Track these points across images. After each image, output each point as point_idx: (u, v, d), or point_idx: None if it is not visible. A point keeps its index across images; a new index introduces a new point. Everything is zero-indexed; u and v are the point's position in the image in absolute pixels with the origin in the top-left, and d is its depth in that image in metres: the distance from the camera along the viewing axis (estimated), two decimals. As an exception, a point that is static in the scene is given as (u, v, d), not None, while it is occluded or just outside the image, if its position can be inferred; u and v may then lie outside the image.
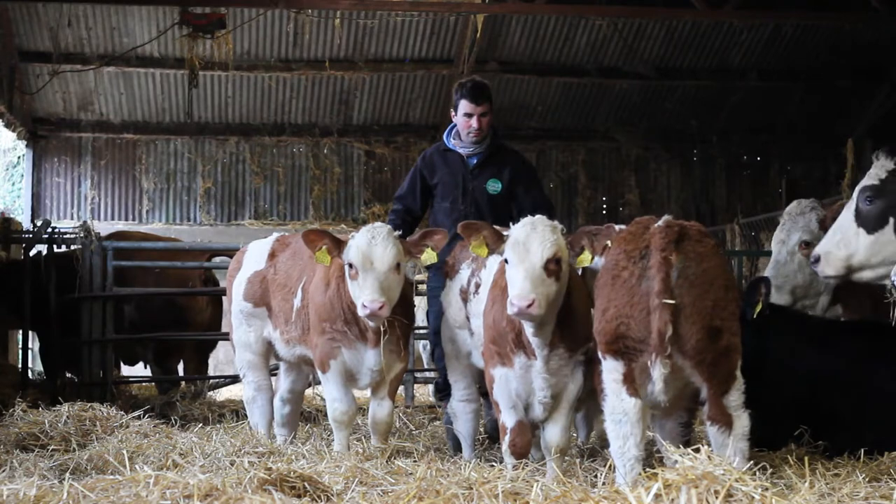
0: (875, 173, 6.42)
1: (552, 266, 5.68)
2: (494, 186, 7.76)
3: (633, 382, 5.37)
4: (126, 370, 12.88)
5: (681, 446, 5.03)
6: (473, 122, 7.72)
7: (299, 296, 7.15)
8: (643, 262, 5.30)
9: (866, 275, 6.50)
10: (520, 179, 7.83)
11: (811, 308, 7.70)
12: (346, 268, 6.53)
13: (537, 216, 5.91)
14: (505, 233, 5.90)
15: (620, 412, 5.38)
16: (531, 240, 5.71)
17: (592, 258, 5.83)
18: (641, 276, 5.29)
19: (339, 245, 6.61)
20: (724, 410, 5.37)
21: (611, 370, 5.42)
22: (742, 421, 5.39)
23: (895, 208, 6.31)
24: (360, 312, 6.42)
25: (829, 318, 7.83)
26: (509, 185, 7.77)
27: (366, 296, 6.35)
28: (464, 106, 7.75)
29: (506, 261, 5.81)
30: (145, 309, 11.57)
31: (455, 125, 7.89)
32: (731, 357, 5.40)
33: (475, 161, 7.80)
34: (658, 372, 5.19)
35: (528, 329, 5.82)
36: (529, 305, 5.55)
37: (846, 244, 6.46)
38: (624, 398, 5.37)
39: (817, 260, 6.60)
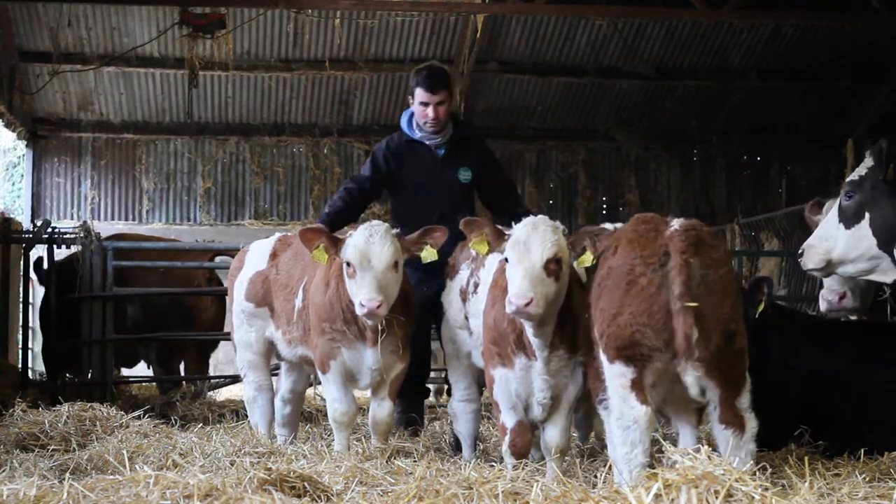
0: (858, 170, 6.48)
1: (552, 266, 5.66)
2: (465, 175, 7.58)
3: (643, 389, 5.26)
4: (126, 370, 12.87)
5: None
6: (430, 111, 7.48)
7: (301, 296, 7.13)
8: (663, 270, 5.17)
9: (848, 269, 6.54)
10: (486, 165, 7.70)
11: None
12: (344, 266, 6.49)
13: (539, 216, 5.90)
14: (507, 232, 5.89)
15: (630, 419, 5.25)
16: (532, 239, 5.70)
17: (594, 259, 5.81)
18: (662, 284, 5.15)
19: (336, 243, 6.55)
20: (738, 413, 5.29)
21: (619, 375, 5.29)
22: (751, 422, 5.35)
23: (871, 203, 6.37)
24: (358, 311, 6.38)
25: (829, 318, 7.83)
26: (478, 172, 7.61)
27: (363, 294, 6.31)
28: (419, 94, 7.50)
29: (506, 260, 5.81)
30: (151, 309, 11.59)
31: (412, 112, 7.62)
32: (743, 360, 5.36)
33: (443, 152, 7.61)
34: (691, 376, 5.15)
35: (529, 330, 5.81)
36: (527, 304, 5.52)
37: (827, 238, 6.52)
38: (634, 405, 5.25)
39: (802, 253, 6.66)
